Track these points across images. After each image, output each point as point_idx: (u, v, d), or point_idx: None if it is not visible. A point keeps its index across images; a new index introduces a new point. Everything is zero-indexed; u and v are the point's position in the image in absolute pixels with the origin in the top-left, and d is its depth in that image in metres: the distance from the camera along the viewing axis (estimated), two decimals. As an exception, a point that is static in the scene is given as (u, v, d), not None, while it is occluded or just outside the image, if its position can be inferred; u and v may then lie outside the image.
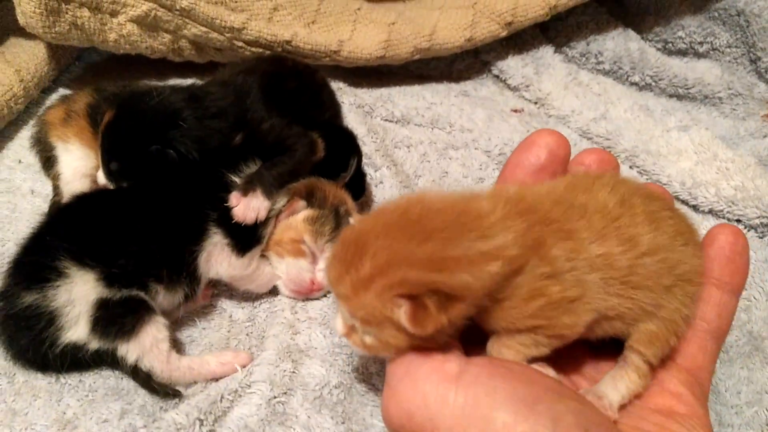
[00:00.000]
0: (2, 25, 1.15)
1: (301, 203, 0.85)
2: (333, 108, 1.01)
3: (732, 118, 1.39)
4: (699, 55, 1.44)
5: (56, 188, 0.92)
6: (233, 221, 0.79)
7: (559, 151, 0.63)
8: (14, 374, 0.73)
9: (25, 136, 1.01)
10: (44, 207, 0.91)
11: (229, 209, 0.79)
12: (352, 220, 0.86)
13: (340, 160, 0.91)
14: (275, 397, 0.72)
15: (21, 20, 1.00)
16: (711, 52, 1.43)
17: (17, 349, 0.73)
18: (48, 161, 0.93)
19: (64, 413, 0.70)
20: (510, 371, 0.49)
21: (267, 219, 0.82)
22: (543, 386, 0.47)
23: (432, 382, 0.47)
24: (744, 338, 0.92)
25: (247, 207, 0.79)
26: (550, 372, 0.55)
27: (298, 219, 0.84)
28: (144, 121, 0.80)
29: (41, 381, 0.73)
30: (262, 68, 0.94)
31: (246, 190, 0.80)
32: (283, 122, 0.87)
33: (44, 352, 0.71)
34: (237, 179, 0.82)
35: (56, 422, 0.69)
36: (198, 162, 0.81)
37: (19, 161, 0.99)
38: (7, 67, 1.05)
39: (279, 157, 0.84)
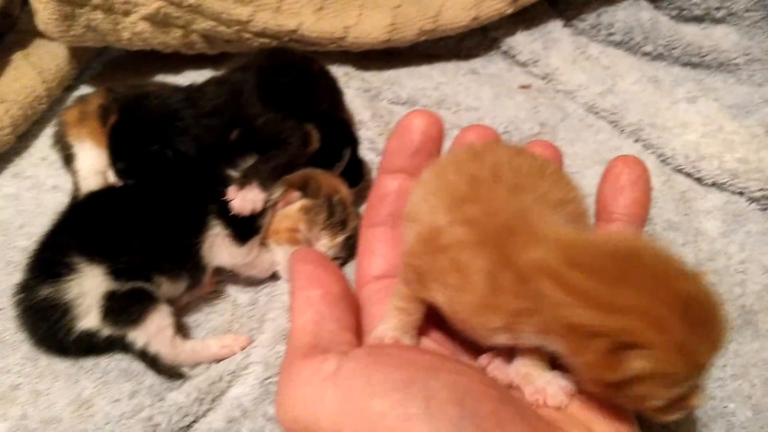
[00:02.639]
0: (29, 28, 1.21)
1: (296, 194, 0.89)
2: (331, 98, 1.04)
3: (749, 85, 1.36)
4: (716, 21, 1.41)
5: (76, 184, 0.99)
6: (232, 213, 0.85)
7: (432, 130, 0.64)
8: (37, 359, 0.81)
9: (49, 133, 1.09)
10: (66, 201, 0.99)
11: (227, 202, 0.85)
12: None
13: (335, 150, 0.95)
14: (268, 378, 0.78)
15: (40, 26, 1.06)
16: (729, 17, 1.40)
17: (37, 337, 0.80)
18: (67, 158, 1.00)
19: (81, 394, 0.78)
20: (387, 356, 0.49)
21: (264, 210, 0.88)
22: (419, 365, 0.47)
23: (311, 384, 0.48)
24: (735, 312, 0.94)
25: (244, 199, 0.85)
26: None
27: (293, 209, 0.89)
28: (144, 123, 0.86)
29: (61, 365, 0.80)
30: (258, 64, 0.99)
31: (242, 183, 0.85)
32: (278, 117, 0.91)
33: (61, 339, 0.79)
34: (235, 173, 0.88)
35: (74, 402, 0.77)
36: (196, 159, 0.87)
37: (43, 158, 1.07)
38: (30, 70, 1.12)
39: (274, 151, 0.89)
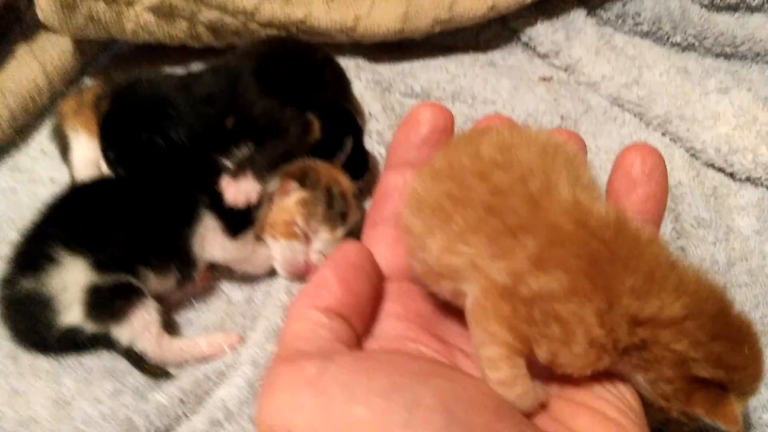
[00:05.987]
0: (35, 23, 1.19)
1: (294, 185, 0.85)
2: (336, 87, 0.99)
3: (787, 76, 1.29)
4: (752, 9, 1.34)
5: (72, 176, 0.96)
6: (225, 205, 0.80)
7: (439, 122, 0.63)
8: (19, 356, 0.77)
9: (48, 126, 1.06)
10: (60, 194, 0.96)
11: (220, 193, 0.80)
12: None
13: (337, 140, 0.91)
14: (256, 379, 0.73)
15: (40, 16, 1.03)
16: (766, 5, 1.33)
17: (19, 333, 0.77)
18: (64, 149, 0.97)
19: (62, 393, 0.74)
20: (374, 361, 0.46)
21: (260, 202, 0.83)
22: (407, 371, 0.44)
23: (288, 391, 0.44)
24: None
25: (238, 190, 0.81)
26: None
27: (291, 201, 0.85)
28: (135, 110, 0.83)
29: (43, 362, 0.77)
30: (257, 51, 0.95)
31: (237, 173, 0.81)
32: (276, 104, 0.87)
33: (43, 336, 0.75)
34: (229, 163, 0.84)
35: (54, 402, 0.73)
36: (189, 147, 0.83)
37: (43, 152, 1.04)
38: (33, 61, 1.10)
39: (271, 140, 0.85)
